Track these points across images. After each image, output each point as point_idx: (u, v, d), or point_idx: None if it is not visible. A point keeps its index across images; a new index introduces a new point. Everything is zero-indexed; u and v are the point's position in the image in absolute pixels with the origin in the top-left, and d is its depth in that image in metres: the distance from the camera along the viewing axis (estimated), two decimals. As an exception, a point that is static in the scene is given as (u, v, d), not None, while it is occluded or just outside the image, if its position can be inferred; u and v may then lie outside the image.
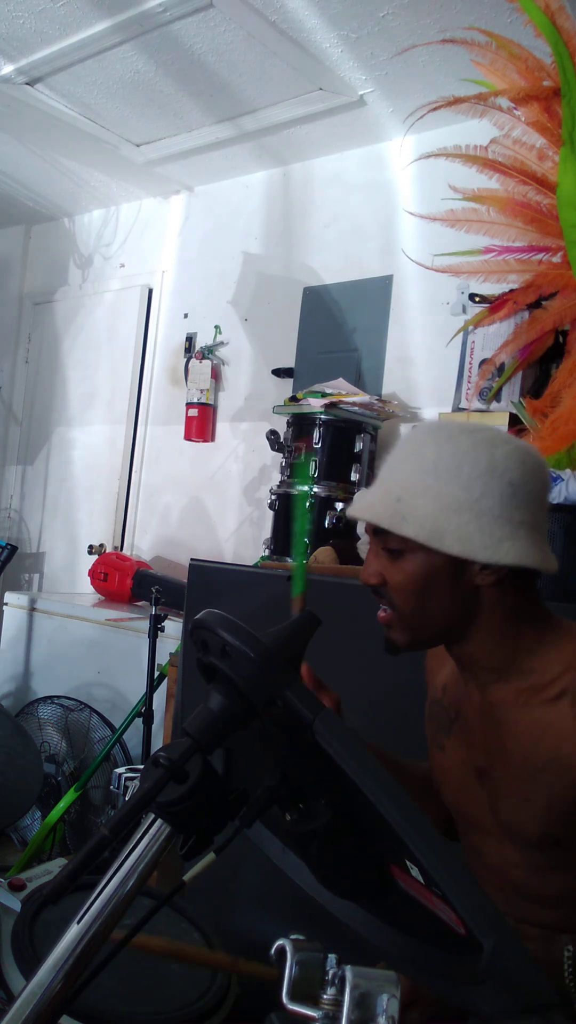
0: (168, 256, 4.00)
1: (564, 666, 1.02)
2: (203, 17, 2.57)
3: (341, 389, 2.83)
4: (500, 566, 1.00)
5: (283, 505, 2.76)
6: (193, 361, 3.71)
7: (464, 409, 2.44)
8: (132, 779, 1.90)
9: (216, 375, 3.68)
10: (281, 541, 2.77)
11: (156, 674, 2.64)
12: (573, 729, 0.99)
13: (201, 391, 3.64)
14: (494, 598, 1.03)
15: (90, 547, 3.87)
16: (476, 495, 0.99)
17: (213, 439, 3.69)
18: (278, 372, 3.44)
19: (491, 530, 0.99)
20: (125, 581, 3.46)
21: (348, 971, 0.71)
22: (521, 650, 1.05)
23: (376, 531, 1.04)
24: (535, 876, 1.08)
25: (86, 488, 4.23)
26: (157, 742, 2.61)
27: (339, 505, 2.70)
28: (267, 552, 2.81)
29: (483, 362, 2.36)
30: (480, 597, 1.03)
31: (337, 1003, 0.72)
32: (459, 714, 1.14)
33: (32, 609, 3.32)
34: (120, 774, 1.94)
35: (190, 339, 3.82)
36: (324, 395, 2.73)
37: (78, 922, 0.66)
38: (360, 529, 2.48)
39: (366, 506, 1.05)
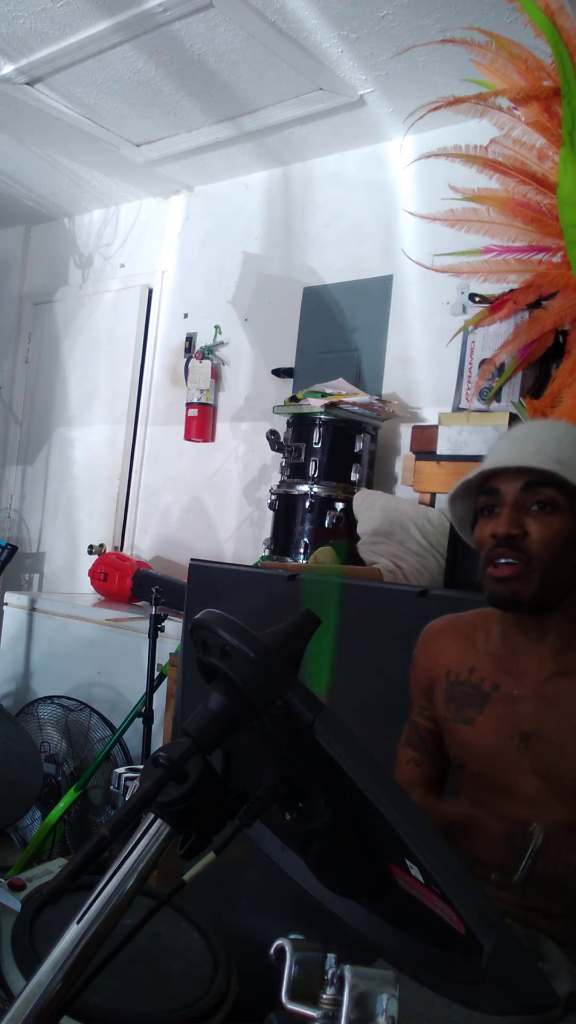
0: (168, 256, 4.00)
1: None
2: (203, 17, 2.58)
3: (341, 389, 2.83)
4: None
5: (283, 505, 2.76)
6: (193, 361, 3.71)
7: (464, 409, 2.43)
8: (132, 779, 1.89)
9: (216, 375, 3.68)
10: (281, 541, 2.77)
11: (156, 674, 2.64)
12: None
13: (201, 391, 3.64)
14: None
15: (90, 547, 3.87)
16: None
17: (213, 439, 3.69)
18: (278, 372, 3.44)
19: None
20: (125, 581, 3.46)
21: (347, 971, 0.71)
22: None
23: (528, 485, 1.11)
24: (569, 839, 1.11)
25: (86, 488, 4.23)
26: (157, 742, 2.61)
27: (339, 505, 2.70)
28: (267, 552, 2.81)
29: (483, 362, 2.36)
30: None
31: (336, 1003, 0.72)
32: (499, 686, 1.20)
33: (32, 609, 3.32)
34: (120, 774, 1.93)
35: (190, 339, 3.82)
36: (324, 395, 2.73)
37: (78, 922, 0.66)
38: (366, 528, 2.48)
39: (533, 458, 1.11)
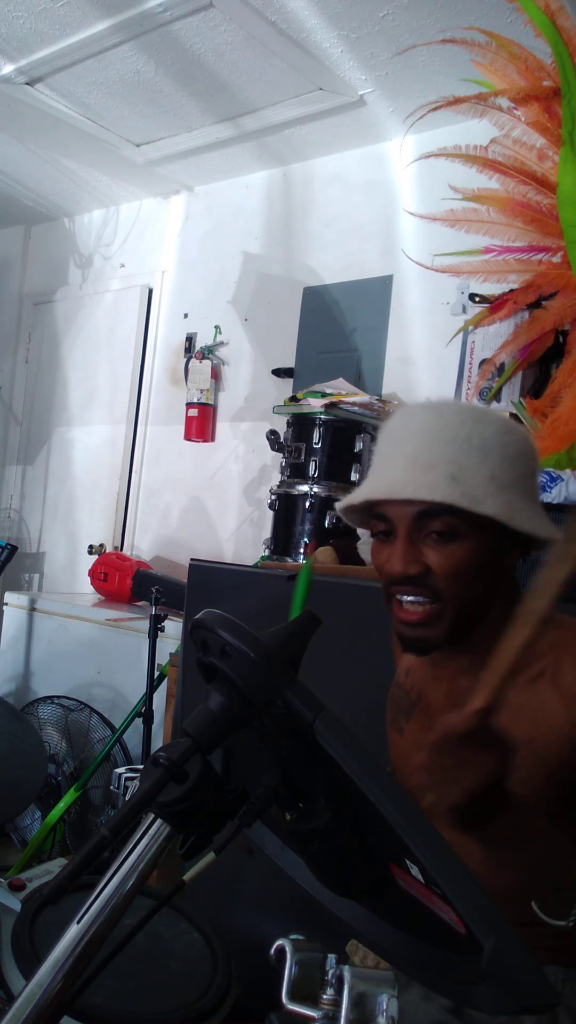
0: (168, 256, 4.00)
1: (541, 648, 0.99)
2: (203, 17, 2.58)
3: (341, 389, 2.83)
4: (522, 541, 1.00)
5: (283, 505, 2.76)
6: (193, 361, 3.71)
7: (464, 409, 2.43)
8: (132, 779, 1.89)
9: (216, 375, 3.68)
10: (281, 541, 2.77)
11: (156, 674, 2.64)
12: (547, 710, 0.99)
13: (201, 391, 3.64)
14: (508, 580, 1.04)
15: (90, 547, 3.87)
16: (519, 472, 1.00)
17: (213, 439, 3.69)
18: (278, 372, 3.44)
19: (534, 507, 1.00)
20: (125, 581, 3.46)
21: (346, 971, 0.71)
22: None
23: (421, 514, 0.97)
24: (485, 865, 1.03)
25: (86, 488, 4.23)
26: (157, 742, 2.61)
27: (339, 505, 2.69)
28: (267, 552, 2.81)
29: (483, 362, 2.36)
30: (504, 580, 1.03)
31: (336, 1003, 0.72)
32: (421, 698, 1.13)
33: (32, 609, 3.32)
34: (120, 774, 1.93)
35: (190, 339, 3.82)
36: (324, 395, 2.73)
37: (78, 922, 0.66)
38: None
39: (421, 487, 0.96)
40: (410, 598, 0.99)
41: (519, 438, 1.02)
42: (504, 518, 0.95)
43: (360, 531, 2.48)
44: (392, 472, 1.00)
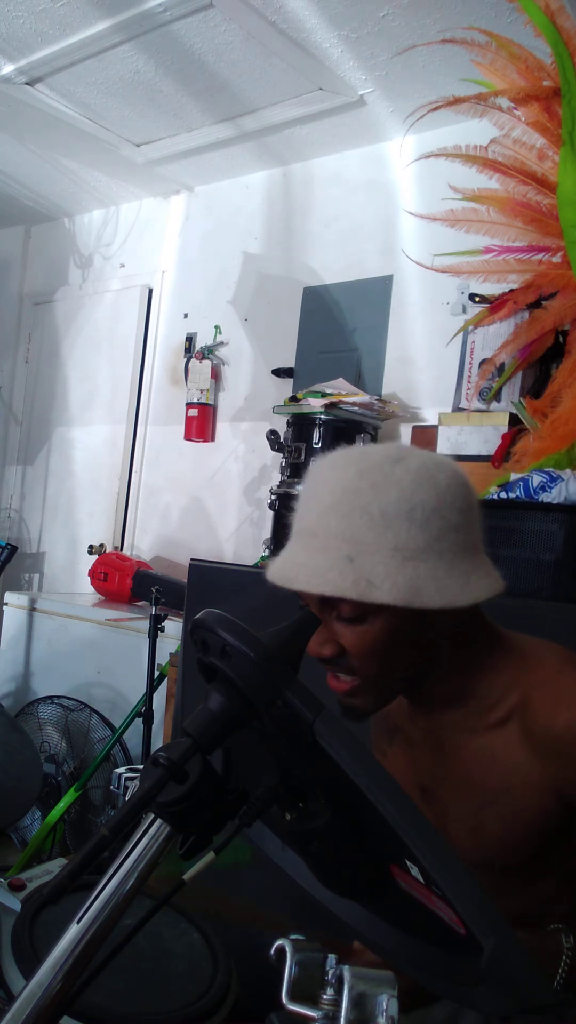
0: (168, 256, 4.00)
1: (507, 686, 0.98)
2: (203, 17, 2.57)
3: (341, 389, 2.83)
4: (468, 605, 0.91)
5: (283, 505, 2.76)
6: (193, 361, 3.71)
7: (464, 409, 2.44)
8: (132, 779, 1.89)
9: (216, 375, 3.68)
10: (281, 541, 2.76)
11: (156, 674, 2.64)
12: (521, 759, 0.95)
13: (201, 391, 3.64)
14: (452, 635, 0.97)
15: (90, 547, 3.87)
16: (434, 535, 0.89)
17: (213, 439, 3.69)
18: (278, 372, 3.44)
19: (458, 569, 0.90)
20: (125, 581, 3.46)
21: (346, 971, 0.71)
22: (472, 676, 0.99)
23: (323, 601, 0.92)
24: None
25: (86, 488, 4.23)
26: (157, 742, 2.61)
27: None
28: (267, 552, 2.81)
29: (483, 362, 2.36)
30: (437, 640, 0.96)
31: (336, 1003, 0.72)
32: (399, 729, 1.11)
33: (32, 609, 3.32)
34: (120, 774, 1.93)
35: (190, 339, 3.82)
36: (324, 395, 2.73)
37: (78, 922, 0.66)
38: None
39: (312, 575, 0.89)
40: (336, 676, 0.97)
41: (436, 491, 0.90)
42: (404, 601, 0.86)
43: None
44: (292, 552, 0.95)
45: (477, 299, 2.48)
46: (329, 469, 0.95)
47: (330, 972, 0.74)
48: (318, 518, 0.92)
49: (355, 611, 0.91)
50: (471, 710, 1.00)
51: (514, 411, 2.29)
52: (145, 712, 2.58)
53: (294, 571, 0.91)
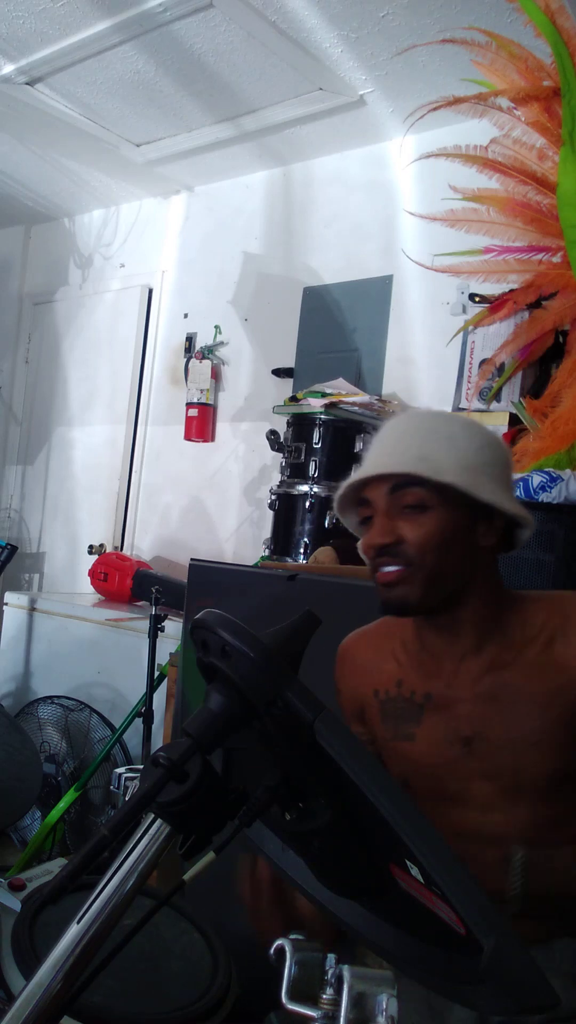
0: (168, 256, 4.00)
1: (545, 616, 1.12)
2: (203, 17, 2.57)
3: (341, 389, 2.83)
4: (499, 527, 1.10)
5: (283, 505, 2.76)
6: (193, 361, 3.71)
7: (464, 409, 2.43)
8: (132, 779, 1.89)
9: (216, 375, 3.68)
10: (281, 541, 2.77)
11: (156, 674, 2.64)
12: (561, 683, 1.07)
13: (201, 391, 3.64)
14: (486, 561, 1.12)
15: (90, 547, 3.87)
16: (487, 459, 1.10)
17: (213, 439, 3.69)
18: (278, 372, 3.44)
19: (504, 490, 1.10)
20: (125, 581, 3.46)
21: (346, 971, 0.71)
22: (504, 610, 1.13)
23: (394, 488, 1.08)
24: (518, 841, 1.09)
25: (86, 488, 4.23)
26: (157, 742, 2.61)
27: (335, 501, 2.69)
28: (267, 552, 2.81)
29: (483, 362, 2.36)
30: (479, 558, 1.11)
31: (336, 1003, 0.72)
32: (431, 695, 1.15)
33: (32, 609, 3.32)
34: (120, 774, 1.93)
35: (190, 339, 3.82)
36: (324, 395, 2.73)
37: (78, 922, 0.66)
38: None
39: (388, 462, 1.09)
40: (387, 567, 1.09)
41: (490, 440, 1.13)
42: (465, 487, 1.05)
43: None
44: (369, 459, 1.13)
45: (477, 299, 2.48)
46: (404, 414, 1.20)
47: (330, 972, 0.74)
48: (397, 436, 1.13)
49: (420, 500, 1.07)
50: (515, 641, 1.11)
51: (514, 411, 2.29)
52: (145, 712, 2.58)
53: (377, 465, 1.10)
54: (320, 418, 2.73)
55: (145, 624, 2.70)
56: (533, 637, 1.10)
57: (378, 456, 1.12)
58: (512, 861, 1.07)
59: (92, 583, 3.60)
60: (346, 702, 1.26)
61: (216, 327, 3.71)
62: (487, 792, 1.10)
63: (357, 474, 1.12)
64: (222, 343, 3.70)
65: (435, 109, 2.15)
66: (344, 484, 1.13)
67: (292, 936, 0.78)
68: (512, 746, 1.08)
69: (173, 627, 2.76)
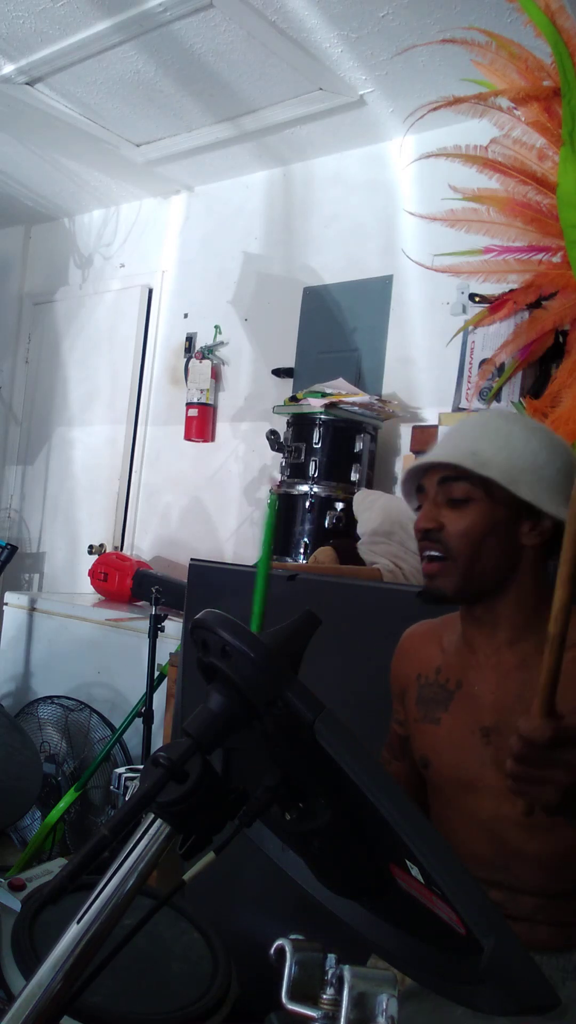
0: (168, 256, 4.00)
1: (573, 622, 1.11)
2: (203, 17, 2.58)
3: (341, 389, 2.83)
4: (546, 529, 1.13)
5: (283, 505, 2.76)
6: (193, 361, 3.71)
7: (464, 409, 2.43)
8: (132, 779, 1.89)
9: (216, 375, 3.68)
10: (281, 541, 2.77)
11: (156, 674, 2.64)
12: None
13: (201, 391, 3.64)
14: (530, 562, 1.15)
15: (90, 547, 3.87)
16: (541, 462, 1.14)
17: (213, 439, 3.69)
18: (278, 372, 3.44)
19: (551, 493, 1.13)
20: (125, 581, 3.46)
21: (346, 971, 0.71)
22: (541, 612, 1.13)
23: (443, 480, 1.15)
24: (531, 833, 1.11)
25: (86, 488, 4.23)
26: (157, 742, 2.61)
27: (339, 505, 2.70)
28: (267, 552, 2.80)
29: (483, 362, 2.36)
30: (521, 557, 1.15)
31: (336, 1003, 0.72)
32: (462, 683, 1.21)
33: (32, 609, 3.32)
34: (120, 774, 1.93)
35: (190, 339, 3.82)
36: (324, 395, 2.74)
37: (78, 922, 0.66)
38: (366, 528, 2.48)
39: (443, 454, 1.16)
40: (428, 553, 1.16)
41: (551, 444, 1.17)
42: (505, 483, 1.11)
43: (359, 531, 2.48)
44: (431, 450, 1.21)
45: (477, 299, 2.48)
46: (478, 413, 1.29)
47: (330, 972, 0.74)
48: (458, 431, 1.19)
49: (465, 493, 1.13)
50: (540, 641, 1.09)
51: (514, 411, 2.28)
52: (145, 712, 2.58)
53: (433, 455, 1.17)
54: (320, 418, 2.73)
55: (145, 624, 2.70)
56: (573, 644, 1.06)
57: (438, 447, 1.20)
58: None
59: (92, 583, 3.60)
60: (394, 681, 1.34)
61: (216, 327, 3.71)
62: (499, 782, 1.12)
63: (416, 462, 1.20)
64: (222, 343, 3.70)
65: (435, 109, 2.15)
66: (407, 470, 1.23)
67: (292, 936, 0.78)
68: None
69: (173, 627, 2.76)
